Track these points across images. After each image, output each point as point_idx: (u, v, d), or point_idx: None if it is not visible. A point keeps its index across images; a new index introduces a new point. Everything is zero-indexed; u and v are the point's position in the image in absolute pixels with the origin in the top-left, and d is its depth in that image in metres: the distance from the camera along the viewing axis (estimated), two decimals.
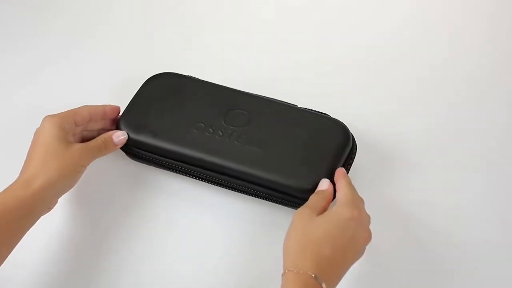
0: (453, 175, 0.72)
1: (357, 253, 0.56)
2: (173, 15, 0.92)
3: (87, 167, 0.65)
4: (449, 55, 0.85)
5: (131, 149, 0.70)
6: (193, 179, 0.69)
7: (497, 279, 0.64)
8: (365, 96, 0.80)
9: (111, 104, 0.70)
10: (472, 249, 0.66)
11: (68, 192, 0.63)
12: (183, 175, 0.69)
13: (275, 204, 0.67)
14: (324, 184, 0.61)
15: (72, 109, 0.65)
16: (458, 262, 0.65)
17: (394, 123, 0.77)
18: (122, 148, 0.70)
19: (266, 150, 0.66)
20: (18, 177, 0.59)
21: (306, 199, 0.61)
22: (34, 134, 0.62)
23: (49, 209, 0.61)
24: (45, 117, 0.62)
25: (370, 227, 0.58)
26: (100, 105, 0.68)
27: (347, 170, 0.66)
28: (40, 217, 0.59)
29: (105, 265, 0.65)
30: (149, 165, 0.71)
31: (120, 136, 0.67)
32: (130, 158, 0.71)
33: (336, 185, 0.60)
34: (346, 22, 0.90)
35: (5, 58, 0.86)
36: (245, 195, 0.68)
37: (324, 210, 0.58)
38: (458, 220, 0.68)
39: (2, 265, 0.55)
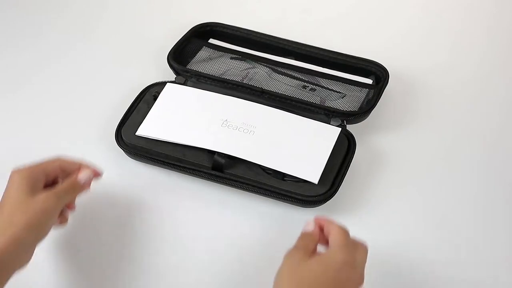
0: None
1: None
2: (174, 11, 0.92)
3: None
4: None
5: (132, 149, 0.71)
6: (193, 177, 0.70)
7: None
8: None
9: (88, 164, 0.64)
10: None
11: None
12: (183, 172, 0.70)
13: (277, 201, 0.68)
14: (309, 226, 0.59)
15: (42, 162, 0.61)
16: None
17: None
18: (122, 148, 0.71)
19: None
20: None
21: None
22: (5, 189, 0.59)
23: (25, 262, 0.58)
24: (13, 171, 0.59)
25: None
26: (74, 162, 0.63)
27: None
28: (14, 272, 0.56)
29: (107, 264, 0.65)
30: (149, 163, 0.72)
31: (85, 176, 0.63)
32: (130, 157, 0.72)
33: (326, 229, 0.58)
34: None
35: (5, 57, 0.87)
36: (245, 191, 0.69)
37: (314, 251, 0.56)
38: None
39: None
